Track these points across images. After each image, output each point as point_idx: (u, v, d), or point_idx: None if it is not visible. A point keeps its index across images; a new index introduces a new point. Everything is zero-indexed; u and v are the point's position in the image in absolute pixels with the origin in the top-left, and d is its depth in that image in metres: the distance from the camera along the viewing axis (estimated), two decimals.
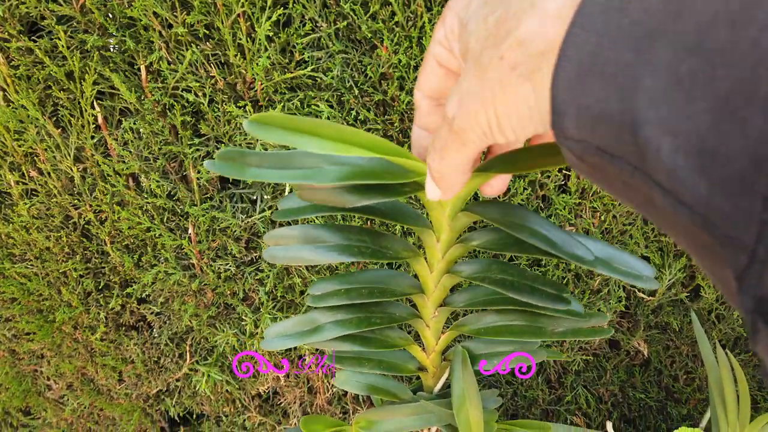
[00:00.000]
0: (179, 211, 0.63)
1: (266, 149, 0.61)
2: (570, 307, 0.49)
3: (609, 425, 0.66)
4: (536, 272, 0.57)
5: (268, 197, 0.64)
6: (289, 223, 0.54)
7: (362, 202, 0.40)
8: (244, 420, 0.79)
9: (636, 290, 0.72)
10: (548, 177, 0.62)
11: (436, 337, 0.53)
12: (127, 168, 0.60)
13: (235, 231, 0.64)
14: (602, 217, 0.66)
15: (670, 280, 0.70)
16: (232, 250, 0.65)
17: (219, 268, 0.66)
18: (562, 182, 0.63)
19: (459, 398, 0.51)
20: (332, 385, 0.82)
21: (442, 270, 0.47)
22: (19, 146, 0.59)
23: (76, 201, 0.63)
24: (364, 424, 0.56)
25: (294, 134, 0.35)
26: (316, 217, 0.67)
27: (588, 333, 0.47)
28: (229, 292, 0.69)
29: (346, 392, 0.81)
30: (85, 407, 0.77)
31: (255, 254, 0.67)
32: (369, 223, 0.68)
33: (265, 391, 0.81)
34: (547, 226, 0.42)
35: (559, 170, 0.63)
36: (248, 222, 0.64)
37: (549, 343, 0.78)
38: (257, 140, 0.61)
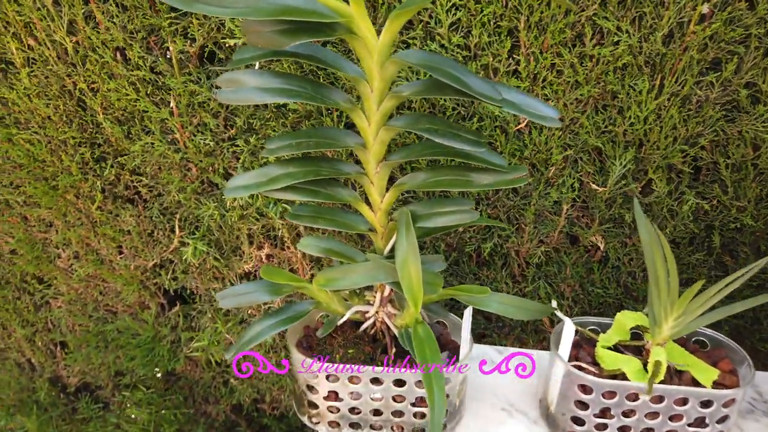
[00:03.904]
0: (161, 84, 0.69)
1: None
2: (493, 159, 0.54)
3: (554, 302, 0.71)
4: (459, 124, 0.61)
5: None
6: None
7: (297, 41, 0.45)
8: None
9: (590, 183, 0.76)
10: (499, 62, 0.66)
11: (380, 194, 0.58)
12: (112, 40, 0.66)
13: (212, 107, 0.70)
14: (553, 104, 0.69)
15: (620, 171, 0.73)
16: (209, 124, 0.71)
17: (199, 142, 0.72)
18: (514, 67, 0.67)
19: (402, 255, 0.55)
20: (312, 267, 0.90)
21: (379, 122, 0.52)
22: (19, 16, 0.65)
23: (70, 70, 0.70)
24: (323, 282, 0.61)
25: None
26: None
27: (509, 183, 0.52)
28: (210, 168, 0.75)
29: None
30: (90, 277, 0.87)
31: (232, 131, 0.73)
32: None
33: (252, 269, 0.89)
34: (461, 69, 0.46)
35: (509, 56, 0.66)
36: None
37: (509, 233, 0.83)
38: (233, 19, 0.66)
